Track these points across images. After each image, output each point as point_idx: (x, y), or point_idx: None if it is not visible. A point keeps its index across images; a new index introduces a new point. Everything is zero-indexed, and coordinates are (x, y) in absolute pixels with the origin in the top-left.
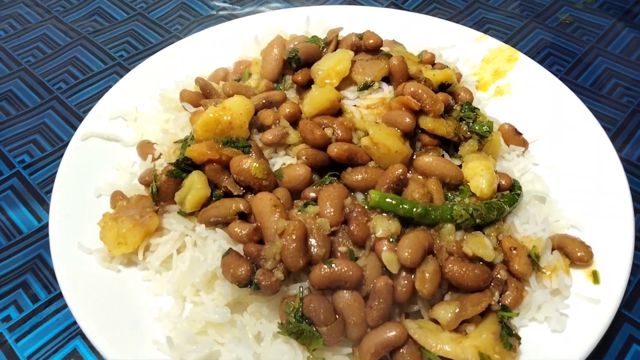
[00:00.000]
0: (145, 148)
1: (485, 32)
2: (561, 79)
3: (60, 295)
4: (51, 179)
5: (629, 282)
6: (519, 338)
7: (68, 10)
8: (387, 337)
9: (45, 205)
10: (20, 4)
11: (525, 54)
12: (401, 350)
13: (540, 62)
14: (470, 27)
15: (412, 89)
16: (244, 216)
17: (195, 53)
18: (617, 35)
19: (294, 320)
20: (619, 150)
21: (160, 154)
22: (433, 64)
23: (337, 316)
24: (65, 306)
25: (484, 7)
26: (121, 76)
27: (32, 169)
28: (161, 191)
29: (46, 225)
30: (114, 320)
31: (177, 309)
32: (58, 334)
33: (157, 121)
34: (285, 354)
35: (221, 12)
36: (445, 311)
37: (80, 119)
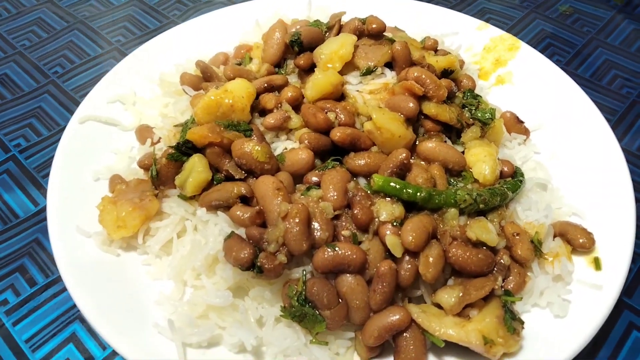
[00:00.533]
0: (144, 132)
1: (486, 22)
2: (561, 69)
3: (57, 279)
4: (47, 163)
5: (630, 270)
6: (522, 322)
7: None
8: (391, 321)
9: (42, 190)
10: None
11: (526, 44)
12: (404, 334)
13: (541, 53)
14: (471, 16)
15: (415, 74)
16: (245, 200)
17: (194, 38)
18: (616, 27)
19: (297, 303)
20: (618, 140)
21: (160, 138)
22: (436, 51)
23: (340, 300)
24: (63, 290)
25: None
26: (118, 61)
27: (28, 153)
28: (161, 175)
29: (43, 210)
30: (113, 303)
31: (178, 293)
32: (56, 317)
33: (156, 105)
34: (287, 337)
35: None
36: (449, 295)
37: (77, 104)
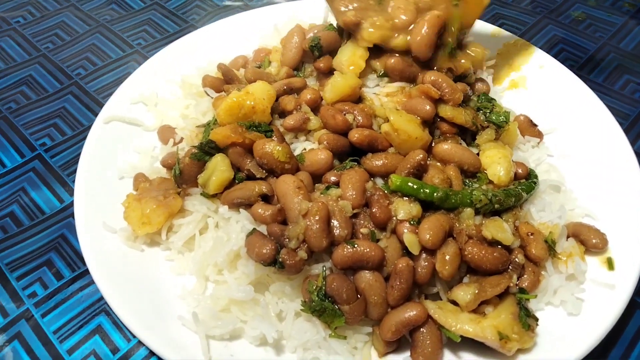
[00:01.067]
0: (166, 132)
1: (499, 27)
2: (574, 74)
3: (83, 273)
4: (72, 162)
5: None
6: (536, 319)
7: None
8: (408, 316)
9: (67, 187)
10: None
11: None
12: (421, 329)
13: (554, 58)
14: (485, 21)
15: (432, 77)
16: (266, 198)
17: (214, 41)
18: (629, 33)
19: (316, 298)
20: (631, 143)
21: (182, 138)
22: (461, 47)
23: (358, 296)
24: (89, 284)
25: (498, 2)
26: (139, 63)
27: (53, 152)
28: (184, 173)
29: (68, 206)
30: (138, 296)
31: (200, 288)
32: (83, 310)
33: (177, 107)
34: (307, 331)
35: (237, 3)
36: (465, 292)
37: (100, 105)
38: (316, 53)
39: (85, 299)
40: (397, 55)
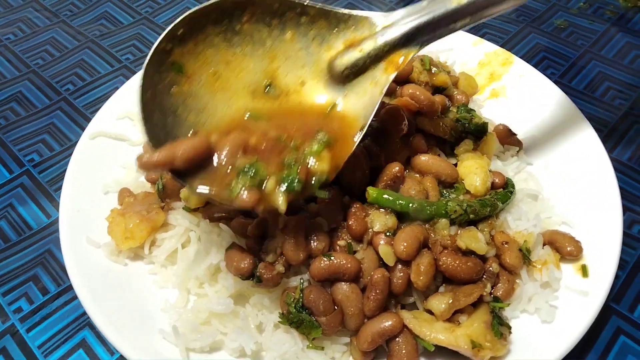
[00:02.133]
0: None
1: (482, 36)
2: (555, 82)
3: (68, 288)
4: (60, 177)
5: (618, 277)
6: (509, 327)
7: (76, 14)
8: (384, 327)
9: (54, 202)
10: (29, 8)
11: (521, 57)
12: (397, 339)
13: (535, 66)
14: (468, 31)
15: (410, 90)
16: (247, 213)
17: None
18: (610, 40)
19: (294, 310)
20: (610, 150)
21: None
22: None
23: (335, 307)
24: (73, 298)
25: None
26: (127, 78)
27: (41, 167)
28: (167, 188)
29: (55, 222)
30: (121, 310)
31: (182, 301)
32: (67, 324)
33: None
34: (285, 342)
35: None
36: (439, 302)
37: (88, 120)
38: None
39: (70, 314)
40: None
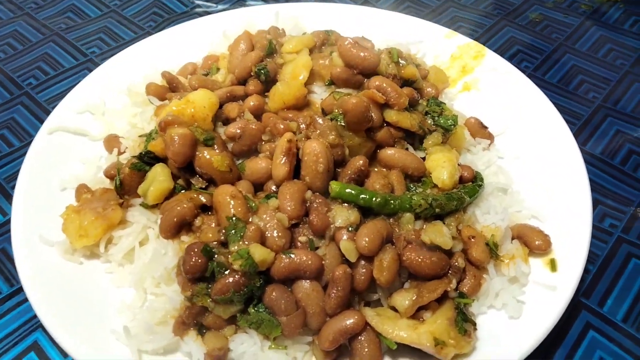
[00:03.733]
0: (111, 142)
1: (457, 29)
2: (529, 75)
3: (21, 289)
4: (17, 174)
5: (588, 272)
6: (474, 324)
7: (41, 7)
8: (345, 325)
9: (11, 200)
10: None
11: (495, 51)
12: (359, 337)
13: (510, 59)
14: (442, 25)
15: (377, 83)
16: (206, 209)
17: (165, 49)
18: (584, 33)
19: (252, 310)
20: (583, 143)
21: (126, 148)
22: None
23: (297, 307)
24: (26, 299)
25: (456, 5)
26: (92, 72)
27: None
28: (125, 184)
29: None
30: (74, 311)
31: (139, 301)
32: (19, 326)
33: (125, 115)
34: (244, 342)
35: (196, 10)
36: (403, 298)
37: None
38: (262, 77)
39: (22, 315)
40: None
